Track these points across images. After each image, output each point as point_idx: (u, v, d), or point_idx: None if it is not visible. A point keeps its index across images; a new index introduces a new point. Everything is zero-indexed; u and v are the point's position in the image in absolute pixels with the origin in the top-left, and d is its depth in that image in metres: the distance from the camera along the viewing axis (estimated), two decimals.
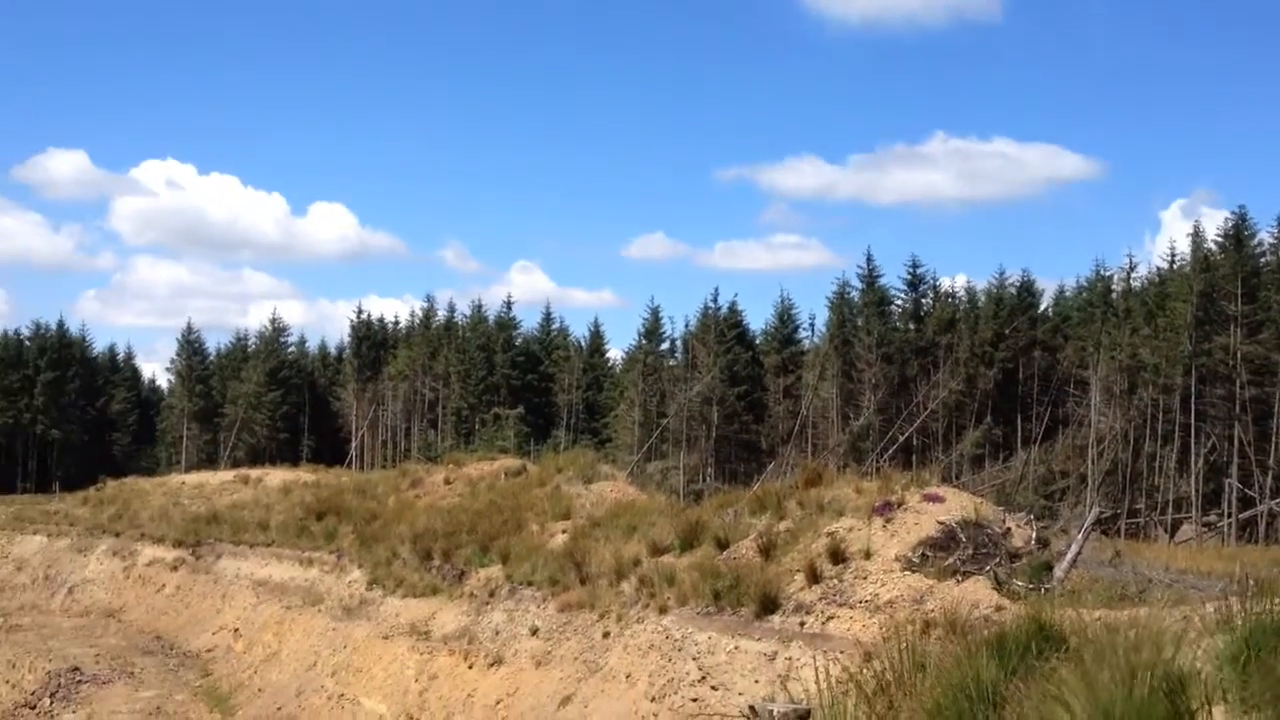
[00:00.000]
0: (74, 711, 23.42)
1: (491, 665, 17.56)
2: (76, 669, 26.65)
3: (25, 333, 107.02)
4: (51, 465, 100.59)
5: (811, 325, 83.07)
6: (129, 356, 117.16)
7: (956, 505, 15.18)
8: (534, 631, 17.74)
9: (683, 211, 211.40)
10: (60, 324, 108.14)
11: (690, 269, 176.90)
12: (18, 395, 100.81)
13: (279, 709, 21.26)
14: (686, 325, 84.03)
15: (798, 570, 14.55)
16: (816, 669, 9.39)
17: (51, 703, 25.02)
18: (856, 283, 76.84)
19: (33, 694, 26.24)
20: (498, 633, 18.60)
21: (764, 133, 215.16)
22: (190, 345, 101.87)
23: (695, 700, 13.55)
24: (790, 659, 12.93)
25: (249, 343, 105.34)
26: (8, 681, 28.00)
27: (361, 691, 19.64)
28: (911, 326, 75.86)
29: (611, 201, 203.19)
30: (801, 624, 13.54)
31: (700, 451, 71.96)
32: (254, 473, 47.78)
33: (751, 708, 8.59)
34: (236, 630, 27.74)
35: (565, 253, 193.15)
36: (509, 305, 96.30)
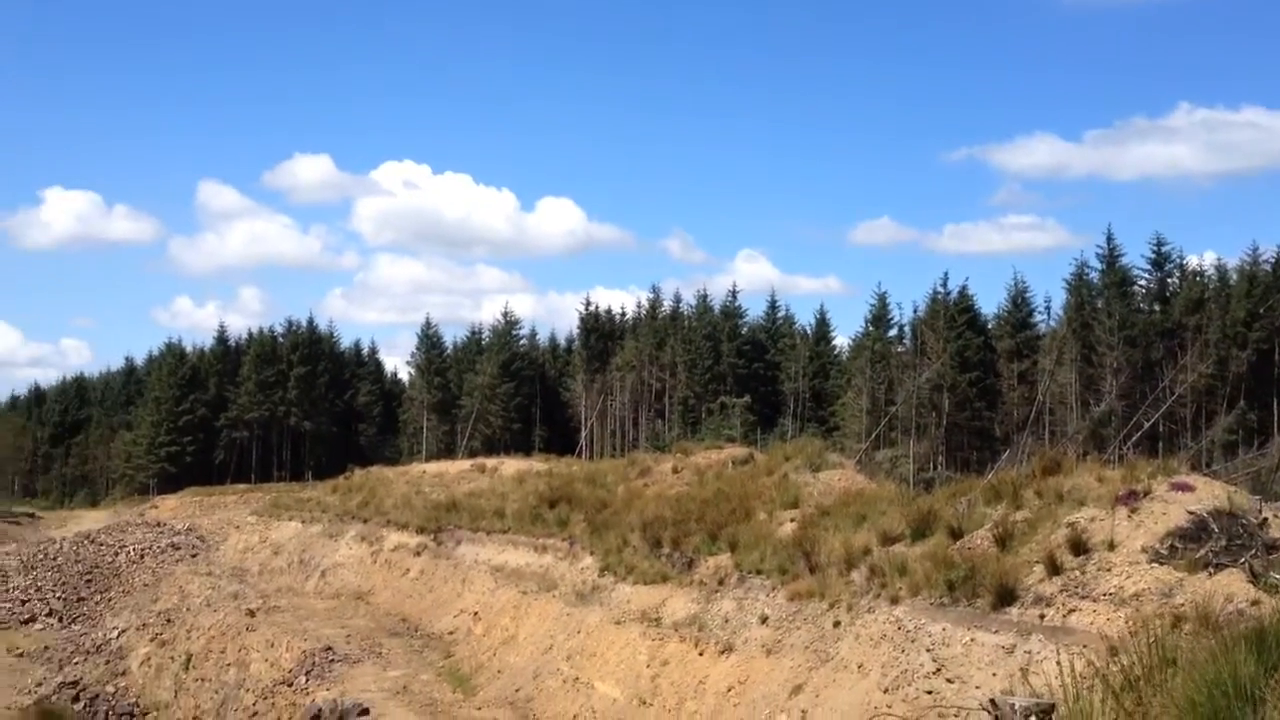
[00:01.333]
0: (327, 689, 24.64)
1: (722, 653, 17.61)
2: (329, 649, 28.07)
3: (279, 330, 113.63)
4: (304, 455, 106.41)
5: (1047, 308, 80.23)
6: (373, 351, 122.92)
7: (1207, 494, 14.35)
8: (763, 620, 17.70)
9: (909, 195, 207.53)
10: (310, 321, 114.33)
11: (918, 253, 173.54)
12: (273, 389, 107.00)
13: (517, 690, 21.88)
14: (915, 311, 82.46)
15: (1036, 561, 14.05)
16: (1060, 663, 9.05)
17: (307, 680, 26.44)
18: (1095, 263, 73.87)
19: (289, 672, 27.80)
20: (727, 620, 18.64)
21: (993, 111, 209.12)
22: (428, 339, 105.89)
23: (930, 693, 13.26)
24: (1029, 652, 12.50)
25: (483, 336, 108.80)
26: (267, 660, 29.75)
27: (595, 675, 20.01)
28: (1156, 308, 72.38)
29: (836, 187, 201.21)
30: (1041, 617, 13.06)
31: (930, 439, 70.48)
32: (490, 462, 49.33)
33: (992, 701, 8.33)
34: (476, 614, 28.68)
35: (790, 240, 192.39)
36: (734, 294, 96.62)
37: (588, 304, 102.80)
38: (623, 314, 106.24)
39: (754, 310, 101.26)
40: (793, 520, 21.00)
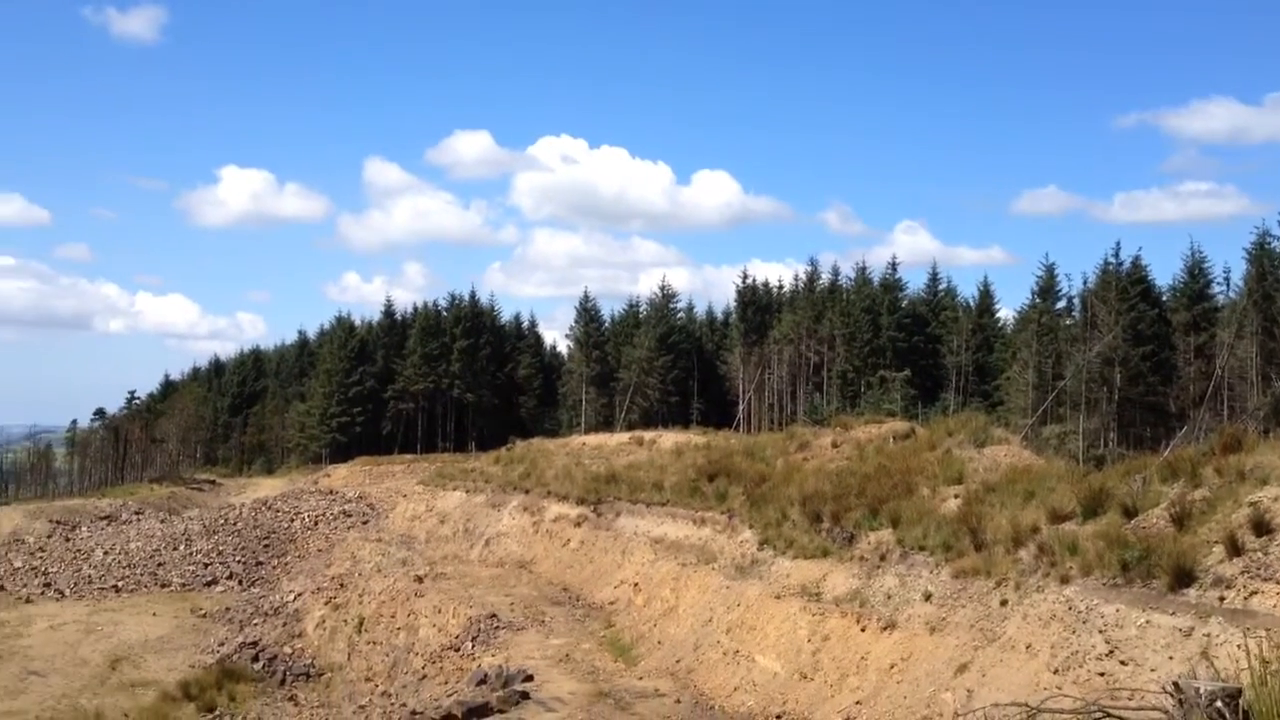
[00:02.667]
0: (493, 655, 25.22)
1: (884, 629, 17.43)
2: (494, 615, 28.74)
3: (442, 304, 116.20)
4: (467, 426, 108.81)
5: (1226, 279, 76.62)
6: (532, 324, 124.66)
7: None
8: (927, 597, 17.45)
9: (1077, 162, 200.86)
10: (472, 294, 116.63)
11: (1086, 222, 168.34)
12: (437, 361, 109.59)
13: (678, 661, 22.04)
14: (1084, 282, 79.68)
15: (1216, 541, 13.50)
16: (1246, 647, 8.71)
17: (473, 646, 27.12)
18: (1278, 231, 70.22)
19: (456, 637, 28.56)
20: (889, 597, 18.44)
21: (1167, 74, 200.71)
22: (587, 313, 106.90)
23: (1102, 675, 12.90)
24: (1208, 635, 12.04)
25: (640, 309, 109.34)
26: (435, 625, 30.60)
27: (755, 649, 20.02)
28: None
29: (1000, 155, 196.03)
30: (1221, 599, 12.56)
31: (1101, 415, 68.22)
32: (648, 435, 49.69)
33: (1175, 684, 8.03)
34: (636, 585, 28.97)
35: (951, 210, 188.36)
36: (894, 266, 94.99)
37: (744, 277, 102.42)
38: (780, 287, 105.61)
39: (914, 283, 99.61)
40: (957, 496, 20.63)
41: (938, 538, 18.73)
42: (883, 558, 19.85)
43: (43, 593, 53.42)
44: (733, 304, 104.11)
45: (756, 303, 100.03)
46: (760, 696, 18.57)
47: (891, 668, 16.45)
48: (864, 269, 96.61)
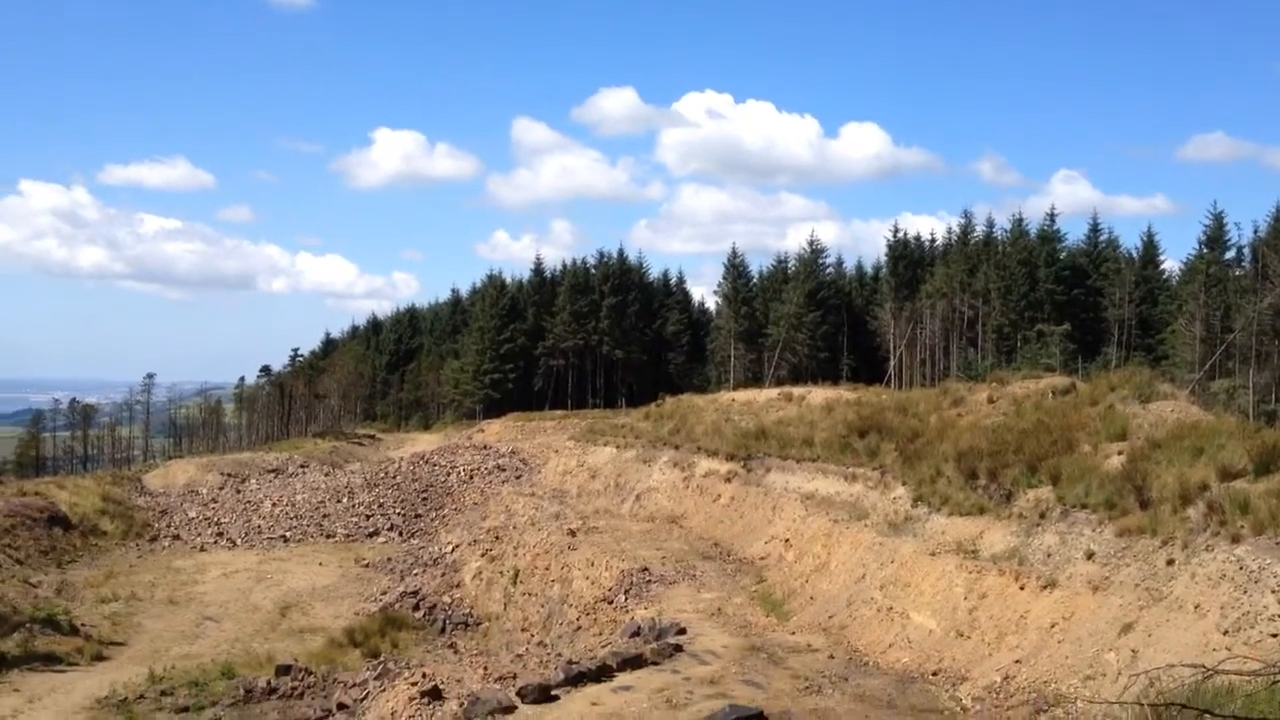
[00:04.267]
0: (645, 608, 25.52)
1: (1044, 588, 17.10)
2: (646, 569, 29.06)
3: (591, 261, 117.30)
4: (616, 382, 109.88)
5: None
6: (680, 281, 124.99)
7: None
8: (1089, 555, 17.04)
9: (1247, 106, 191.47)
10: (620, 252, 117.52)
11: (1257, 169, 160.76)
12: (586, 319, 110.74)
13: (830, 617, 21.99)
14: (1255, 231, 76.50)
15: None
16: None
17: (626, 598, 27.47)
18: None
19: (609, 590, 28.96)
20: (1049, 555, 18.07)
21: None
22: (735, 269, 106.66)
23: (1275, 636, 12.45)
24: None
25: (788, 265, 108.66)
26: (588, 578, 31.08)
27: (910, 606, 19.85)
28: None
29: (1163, 101, 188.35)
30: None
31: (1272, 369, 65.43)
32: (797, 390, 49.44)
33: None
34: (787, 540, 28.95)
35: (1112, 159, 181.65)
36: (1051, 217, 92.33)
37: (895, 230, 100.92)
38: (932, 240, 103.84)
39: (1073, 234, 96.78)
40: (1120, 453, 20.04)
41: (1100, 495, 18.26)
42: (1042, 515, 19.45)
43: (215, 542, 55.85)
44: (883, 258, 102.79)
45: (908, 257, 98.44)
46: (915, 653, 18.43)
47: (1052, 627, 16.14)
48: (1020, 220, 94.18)
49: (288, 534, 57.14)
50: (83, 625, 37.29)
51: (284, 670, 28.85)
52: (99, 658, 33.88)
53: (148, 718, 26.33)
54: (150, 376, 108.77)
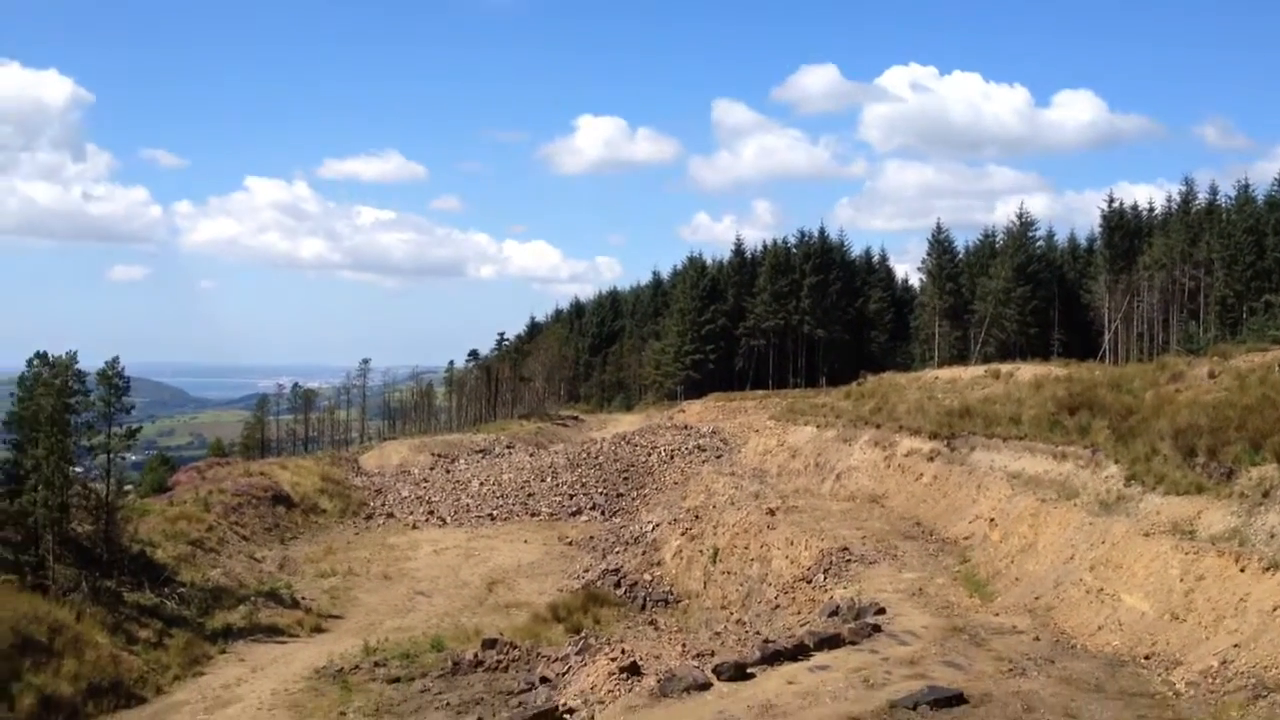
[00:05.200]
0: (845, 587, 25.23)
1: (1267, 569, 16.13)
2: (845, 549, 28.70)
3: (791, 241, 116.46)
4: (817, 362, 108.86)
5: None
6: (883, 258, 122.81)
7: None
8: None
9: None
10: (821, 231, 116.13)
11: None
12: (786, 298, 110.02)
13: (1036, 598, 21.27)
14: None
15: None
16: None
17: (825, 578, 27.21)
18: None
19: (809, 569, 28.74)
20: (1273, 536, 17.05)
21: None
22: (940, 244, 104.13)
23: None
24: None
25: (996, 239, 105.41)
26: (787, 557, 30.91)
27: (1121, 588, 19.02)
28: None
29: None
30: None
31: None
32: (1004, 367, 48.06)
33: None
34: (991, 520, 28.15)
35: None
36: None
37: (1110, 200, 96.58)
38: (1150, 209, 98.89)
39: None
40: None
41: None
42: (1265, 494, 18.36)
43: (427, 520, 57.85)
44: (1097, 229, 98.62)
45: (1124, 227, 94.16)
46: (1126, 636, 17.65)
47: (1274, 610, 15.22)
48: (1247, 186, 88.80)
49: (494, 512, 58.72)
50: (303, 599, 39.18)
51: (490, 644, 29.67)
52: (318, 630, 35.56)
53: (362, 687, 27.45)
54: (366, 361, 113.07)
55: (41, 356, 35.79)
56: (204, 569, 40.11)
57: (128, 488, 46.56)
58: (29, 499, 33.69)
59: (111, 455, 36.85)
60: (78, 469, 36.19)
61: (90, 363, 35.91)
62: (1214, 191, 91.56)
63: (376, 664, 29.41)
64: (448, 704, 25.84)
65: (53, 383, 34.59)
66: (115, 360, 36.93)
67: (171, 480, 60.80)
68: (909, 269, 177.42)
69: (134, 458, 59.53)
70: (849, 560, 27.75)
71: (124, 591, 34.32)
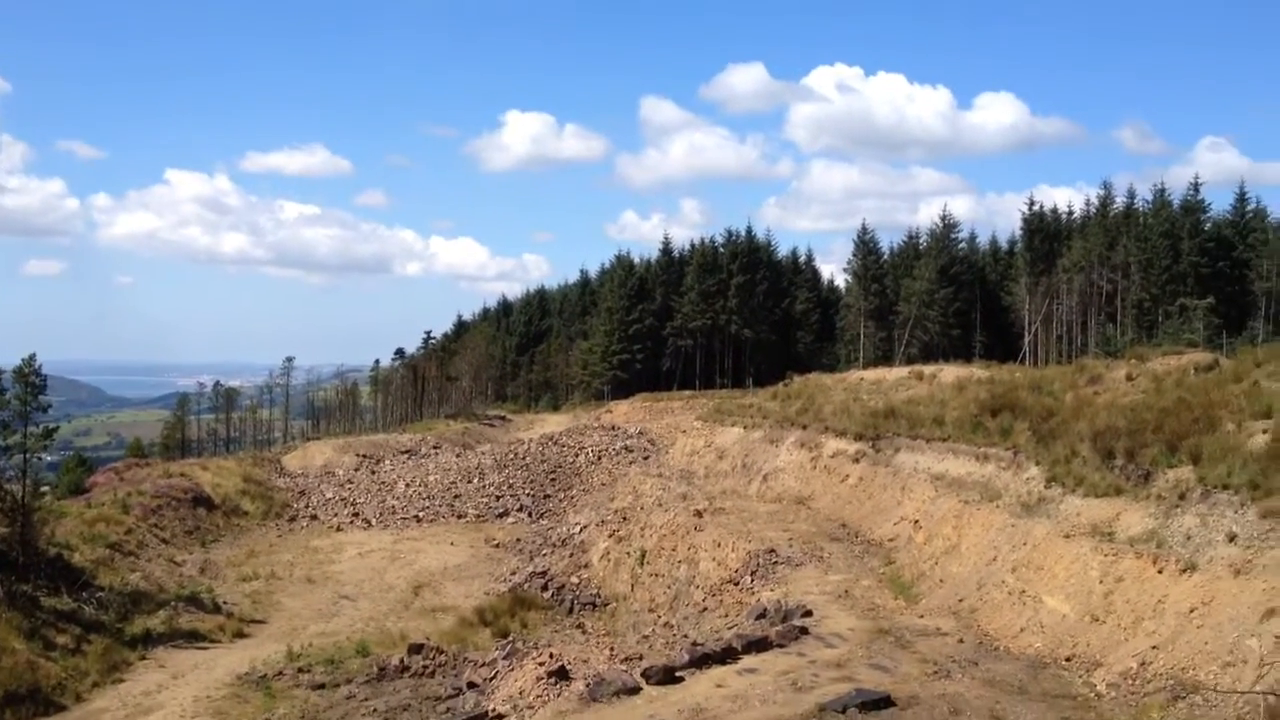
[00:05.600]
0: (772, 589, 25.36)
1: (1183, 571, 16.48)
2: (773, 550, 28.87)
3: (719, 240, 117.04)
4: (744, 362, 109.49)
5: None
6: (809, 259, 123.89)
7: None
8: (1231, 538, 16.38)
9: None
10: (749, 230, 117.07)
11: None
12: (714, 298, 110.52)
13: (960, 600, 21.56)
14: None
15: None
16: None
17: (752, 580, 27.35)
18: None
19: (736, 571, 28.86)
20: (1189, 537, 17.41)
21: None
22: (865, 245, 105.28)
23: None
24: None
25: (920, 241, 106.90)
26: (715, 559, 31.02)
27: (1043, 589, 19.34)
28: None
29: None
30: None
31: None
32: (928, 369, 48.63)
33: None
34: (916, 522, 28.49)
35: (1262, 124, 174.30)
36: (1196, 187, 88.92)
37: (1031, 203, 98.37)
38: (1070, 213, 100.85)
39: (1219, 204, 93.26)
40: (1265, 432, 19.20)
41: (1244, 475, 17.53)
42: (1182, 496, 18.74)
43: (351, 522, 57.26)
44: (1018, 232, 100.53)
45: (1044, 230, 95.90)
46: (1048, 638, 17.95)
47: (1191, 611, 15.55)
48: (1163, 191, 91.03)
49: (420, 514, 58.29)
50: (225, 603, 38.59)
51: (416, 649, 29.47)
52: (240, 635, 35.03)
53: (286, 694, 27.12)
54: (290, 360, 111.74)
55: None
56: (123, 573, 39.33)
57: (44, 489, 45.53)
58: None
59: (28, 455, 36.02)
60: None
61: (3, 359, 35.10)
62: (1131, 196, 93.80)
63: (301, 670, 29.06)
64: (374, 710, 25.62)
65: None
66: (32, 357, 36.11)
67: (89, 481, 59.64)
68: (835, 270, 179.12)
69: (50, 458, 58.32)
70: (776, 562, 27.91)
71: (41, 596, 33.54)
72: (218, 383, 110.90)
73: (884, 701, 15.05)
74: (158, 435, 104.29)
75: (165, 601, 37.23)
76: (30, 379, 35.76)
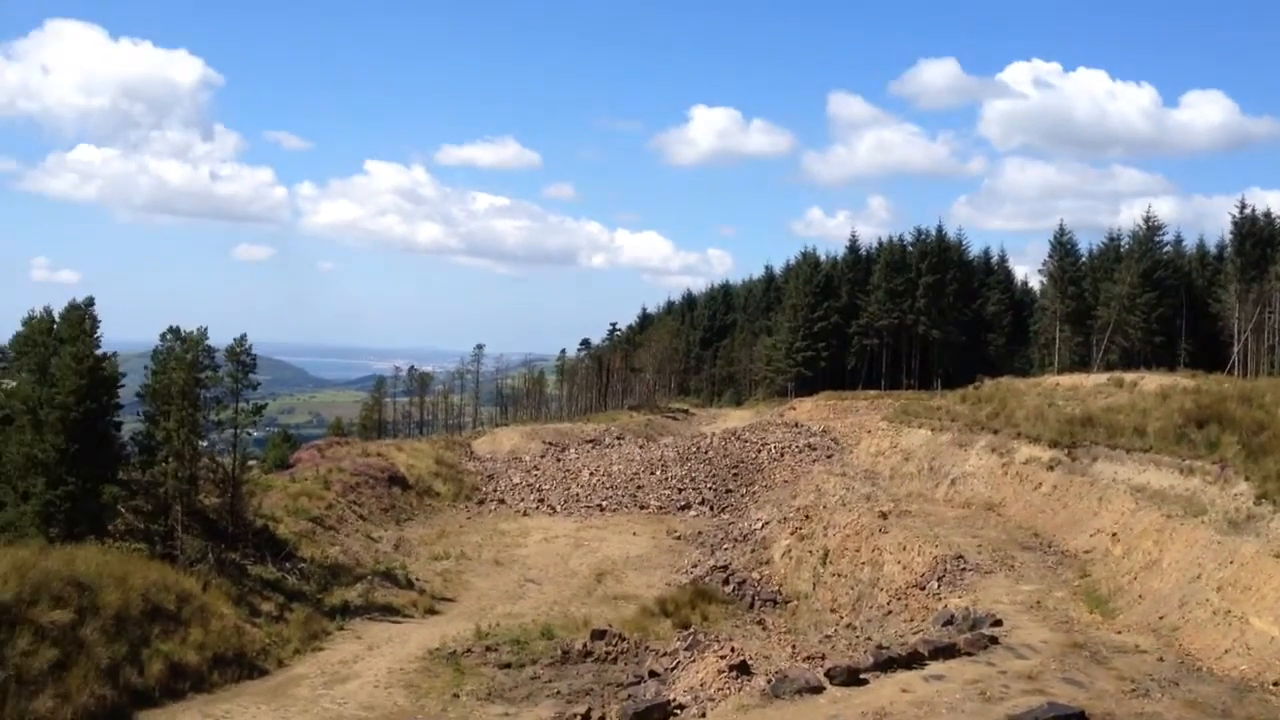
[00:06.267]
0: (959, 596, 24.91)
1: None
2: (960, 557, 28.32)
3: (907, 238, 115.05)
4: (932, 363, 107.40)
5: None
6: (1002, 259, 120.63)
7: None
8: None
9: None
10: (939, 229, 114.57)
11: None
12: (901, 297, 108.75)
13: (1160, 617, 20.78)
14: None
15: None
16: None
17: (939, 586, 26.89)
18: None
19: (921, 576, 28.43)
20: None
21: None
22: (1062, 246, 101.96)
23: None
24: None
25: (1121, 243, 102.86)
26: (900, 562, 30.62)
27: (1250, 610, 18.49)
28: None
29: None
30: None
31: None
32: (1128, 376, 46.88)
33: None
34: (1114, 535, 27.54)
35: None
36: None
37: (1242, 206, 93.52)
38: None
39: None
40: None
41: None
42: None
43: (537, 507, 58.48)
44: (1228, 236, 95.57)
45: (1256, 235, 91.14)
46: (1255, 661, 17.17)
47: None
48: None
49: (604, 503, 59.10)
50: (417, 580, 39.92)
51: (599, 635, 29.92)
52: (431, 611, 36.21)
53: (474, 671, 27.91)
54: (480, 347, 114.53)
55: (174, 331, 36.91)
56: (323, 546, 41.10)
57: (251, 463, 47.94)
58: (160, 470, 34.95)
59: (238, 430, 37.95)
60: (204, 443, 37.26)
61: (216, 338, 36.97)
62: None
63: (488, 648, 29.85)
64: (557, 692, 26.16)
65: (184, 358, 35.67)
66: (243, 338, 37.93)
67: (293, 457, 62.40)
68: (1028, 271, 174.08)
69: (257, 434, 61.31)
70: (964, 569, 27.38)
71: (248, 564, 35.36)
72: (412, 367, 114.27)
73: (1078, 717, 14.64)
74: (355, 415, 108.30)
75: (362, 575, 38.76)
76: (241, 358, 37.59)
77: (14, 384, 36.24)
